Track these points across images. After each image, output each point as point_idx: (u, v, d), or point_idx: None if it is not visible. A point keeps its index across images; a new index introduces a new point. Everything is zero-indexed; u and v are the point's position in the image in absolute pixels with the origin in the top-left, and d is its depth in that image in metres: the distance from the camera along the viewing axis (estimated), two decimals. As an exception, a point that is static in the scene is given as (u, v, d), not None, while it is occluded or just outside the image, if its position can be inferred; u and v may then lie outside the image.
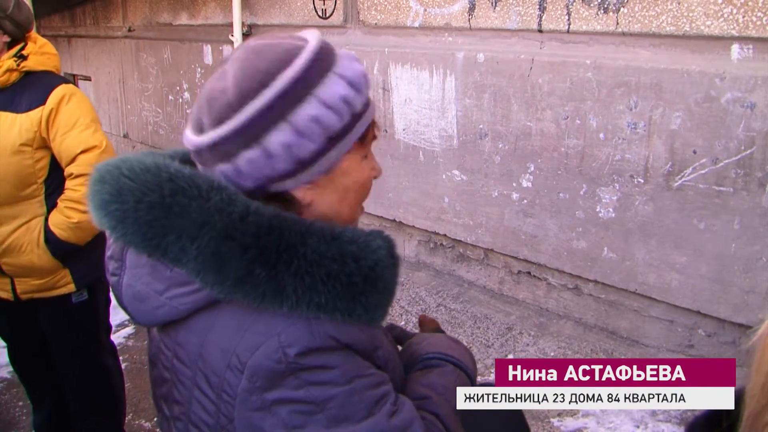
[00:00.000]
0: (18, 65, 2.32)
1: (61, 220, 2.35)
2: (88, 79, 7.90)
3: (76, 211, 2.34)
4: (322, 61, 0.96)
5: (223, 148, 0.93)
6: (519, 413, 0.98)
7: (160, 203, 0.89)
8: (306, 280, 0.90)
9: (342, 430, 0.89)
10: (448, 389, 1.13)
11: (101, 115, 7.56)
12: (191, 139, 0.98)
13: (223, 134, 0.92)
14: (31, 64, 2.35)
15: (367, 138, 1.03)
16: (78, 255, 2.45)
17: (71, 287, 2.48)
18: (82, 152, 2.36)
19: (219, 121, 0.93)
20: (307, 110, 0.92)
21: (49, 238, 2.36)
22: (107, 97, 7.67)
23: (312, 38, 0.99)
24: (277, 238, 0.89)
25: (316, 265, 0.90)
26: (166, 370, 1.05)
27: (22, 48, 2.36)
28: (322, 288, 0.90)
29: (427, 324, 1.41)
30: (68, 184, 2.37)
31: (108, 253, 1.07)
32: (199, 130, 0.97)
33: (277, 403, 0.89)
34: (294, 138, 0.92)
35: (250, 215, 0.89)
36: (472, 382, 1.21)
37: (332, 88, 0.94)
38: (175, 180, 0.91)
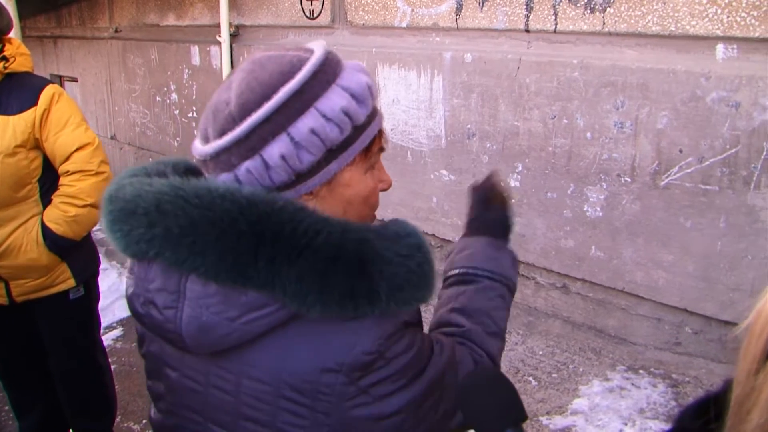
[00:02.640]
0: (4, 67, 2.33)
1: (58, 215, 2.38)
2: (74, 80, 7.85)
3: (72, 206, 2.38)
4: (325, 73, 0.96)
5: (225, 158, 0.96)
6: (514, 393, 0.99)
7: (248, 231, 0.91)
8: (395, 281, 0.94)
9: (418, 384, 1.00)
10: (482, 312, 1.23)
11: (88, 116, 7.52)
12: (198, 148, 1.00)
13: (225, 145, 0.95)
14: (14, 66, 2.37)
15: (371, 150, 1.04)
16: (75, 250, 2.48)
17: (71, 282, 2.53)
18: (77, 150, 2.40)
19: (222, 132, 0.95)
20: (307, 122, 0.93)
21: (46, 234, 2.38)
22: (94, 99, 7.63)
23: (318, 50, 0.99)
24: (358, 252, 0.93)
25: (398, 265, 0.95)
26: (217, 390, 1.04)
27: (1, 50, 2.36)
28: (406, 285, 0.95)
29: (492, 196, 1.45)
30: (63, 180, 2.41)
31: (146, 285, 1.03)
32: (205, 140, 0.99)
33: (373, 385, 0.96)
34: (292, 150, 0.94)
35: (336, 233, 0.93)
36: (512, 292, 1.31)
37: (333, 100, 0.95)
38: (254, 206, 0.92)
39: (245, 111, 0.94)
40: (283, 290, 0.91)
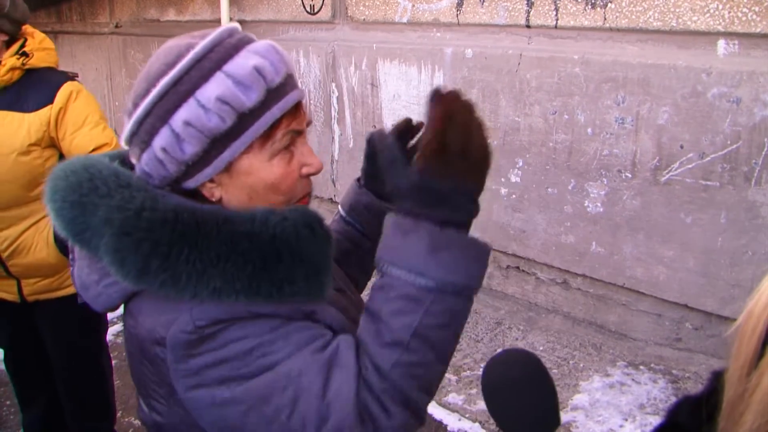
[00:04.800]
0: (23, 63, 2.28)
1: None
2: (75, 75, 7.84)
3: None
4: (210, 60, 0.94)
5: (132, 150, 1.00)
6: (552, 394, 0.90)
7: (77, 201, 0.95)
8: (197, 266, 0.91)
9: (263, 377, 0.92)
10: (376, 316, 0.95)
11: (88, 111, 7.53)
12: None
13: (126, 138, 0.99)
14: (34, 62, 2.31)
15: (273, 135, 0.98)
16: None
17: None
18: (93, 150, 2.32)
19: (127, 122, 0.99)
20: (182, 114, 0.93)
21: (57, 235, 2.33)
22: (95, 94, 7.54)
23: (210, 36, 0.97)
24: (170, 230, 0.91)
25: (205, 250, 0.91)
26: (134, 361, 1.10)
27: (23, 45, 2.31)
28: (214, 271, 0.91)
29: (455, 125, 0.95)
30: None
31: None
32: None
33: (205, 368, 0.93)
34: (172, 142, 0.95)
35: (145, 211, 0.91)
36: (437, 290, 0.92)
37: (210, 89, 0.93)
38: (93, 180, 0.96)
39: (135, 104, 0.97)
40: (104, 261, 0.94)
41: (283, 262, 0.94)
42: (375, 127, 4.41)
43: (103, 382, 2.72)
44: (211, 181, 0.99)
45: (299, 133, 1.02)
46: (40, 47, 2.36)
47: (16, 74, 2.28)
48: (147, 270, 0.90)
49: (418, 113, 3.68)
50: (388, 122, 4.36)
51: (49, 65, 2.40)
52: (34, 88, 2.30)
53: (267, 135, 0.97)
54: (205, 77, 0.93)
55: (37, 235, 2.35)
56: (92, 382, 2.69)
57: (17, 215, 2.32)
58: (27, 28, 2.42)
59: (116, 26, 6.96)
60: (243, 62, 0.94)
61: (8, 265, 2.36)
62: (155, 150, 0.95)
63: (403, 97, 4.24)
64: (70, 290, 2.45)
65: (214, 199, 1.01)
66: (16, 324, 2.57)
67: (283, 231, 0.95)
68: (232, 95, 0.92)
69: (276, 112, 0.96)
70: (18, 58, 2.28)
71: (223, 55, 0.95)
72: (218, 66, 0.94)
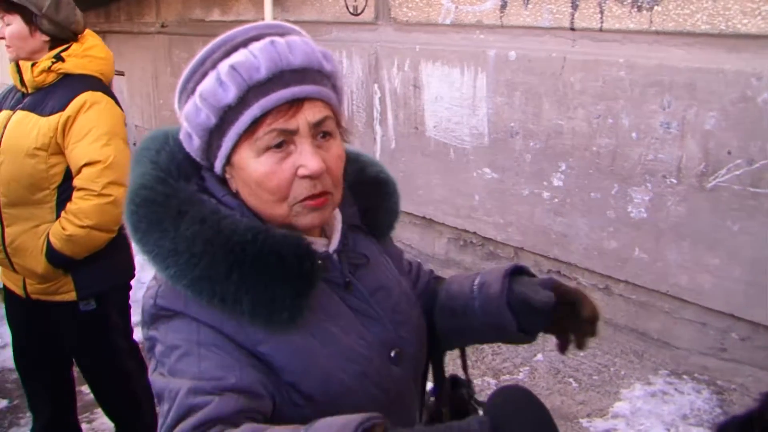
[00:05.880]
0: (51, 66, 2.29)
1: (57, 230, 2.29)
2: (121, 74, 7.98)
3: (70, 224, 2.27)
4: (212, 59, 1.00)
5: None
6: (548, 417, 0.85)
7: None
8: (162, 250, 0.97)
9: (166, 379, 0.95)
10: None
11: (134, 110, 7.67)
12: None
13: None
14: (68, 67, 2.32)
15: (255, 132, 0.98)
16: (82, 265, 2.38)
17: (73, 295, 2.42)
18: (85, 165, 2.28)
19: None
20: (186, 108, 1.02)
21: (48, 246, 2.30)
22: (140, 93, 7.75)
23: (223, 35, 1.02)
24: (153, 212, 0.99)
25: (171, 240, 0.96)
26: None
27: (65, 49, 2.33)
28: (171, 261, 0.96)
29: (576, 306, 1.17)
30: (73, 195, 2.31)
31: None
32: None
33: (151, 339, 1.01)
34: (185, 133, 1.04)
35: (144, 189, 1.01)
36: None
37: (201, 85, 0.99)
38: (159, 151, 1.09)
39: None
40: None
41: (231, 279, 0.95)
42: (417, 128, 4.41)
43: (127, 385, 2.64)
44: (226, 172, 1.04)
45: (291, 133, 0.99)
46: (81, 53, 2.36)
47: (50, 77, 2.30)
48: (135, 238, 1.00)
49: (460, 115, 3.68)
50: (431, 123, 4.35)
51: (89, 73, 2.38)
52: (56, 94, 2.31)
53: (250, 132, 0.98)
54: (205, 74, 0.99)
55: (33, 240, 2.34)
56: (113, 384, 2.65)
57: (19, 214, 2.35)
58: (85, 35, 2.44)
59: (162, 26, 7.07)
60: (230, 59, 0.97)
61: (12, 260, 2.40)
62: (183, 132, 1.06)
63: (445, 98, 4.23)
64: (66, 297, 2.42)
65: (233, 189, 1.05)
66: (21, 318, 2.58)
67: (243, 249, 0.96)
68: (210, 92, 0.97)
69: (256, 109, 0.96)
70: (50, 61, 2.29)
71: (223, 53, 0.99)
72: (214, 64, 0.98)
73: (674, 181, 3.22)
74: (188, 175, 1.05)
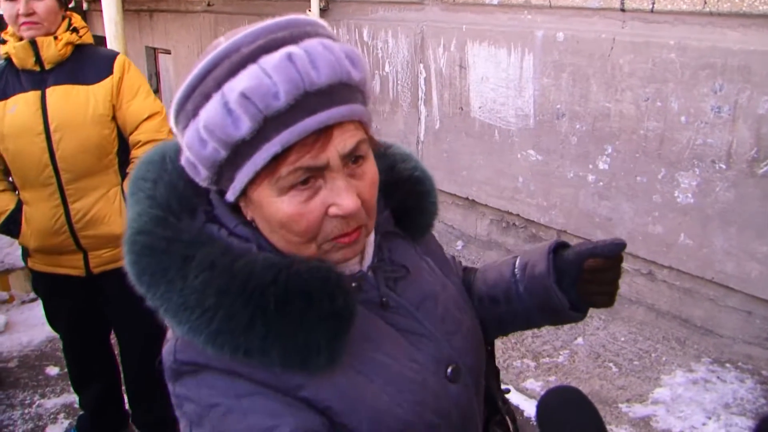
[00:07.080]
0: (78, 38, 2.37)
1: None
2: (168, 52, 8.09)
3: None
4: (214, 76, 0.81)
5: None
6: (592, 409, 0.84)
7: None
8: (171, 305, 0.85)
9: None
10: None
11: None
12: None
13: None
14: (85, 38, 2.41)
15: (276, 171, 0.81)
16: None
17: None
18: (147, 119, 2.44)
19: None
20: (187, 136, 0.83)
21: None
22: (186, 71, 7.82)
23: (231, 38, 0.84)
24: (156, 261, 0.86)
25: (178, 293, 0.84)
26: None
27: (70, 22, 2.39)
28: (183, 316, 0.83)
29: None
30: (136, 152, 2.41)
31: None
32: None
33: (179, 397, 0.89)
34: (188, 164, 0.87)
35: (142, 234, 0.88)
36: None
37: (204, 112, 0.80)
38: (157, 178, 0.94)
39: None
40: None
41: (254, 330, 0.82)
42: (462, 109, 4.39)
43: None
44: (240, 200, 0.87)
45: (320, 169, 0.81)
46: (81, 25, 2.44)
47: (69, 49, 2.36)
48: (140, 290, 0.88)
49: (505, 96, 3.66)
50: (476, 104, 4.33)
51: (91, 42, 2.49)
52: (90, 61, 2.40)
53: (271, 170, 0.80)
54: (207, 96, 0.80)
55: (108, 206, 2.42)
56: (144, 361, 2.58)
57: (88, 185, 2.39)
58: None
59: (208, 5, 7.14)
60: (236, 84, 0.77)
61: (80, 236, 2.42)
62: (184, 159, 0.87)
63: (491, 79, 4.20)
64: None
65: (249, 219, 0.89)
66: (75, 298, 2.59)
67: (263, 293, 0.82)
68: (217, 124, 0.78)
69: (276, 145, 0.78)
70: (72, 33, 2.36)
71: (227, 70, 0.80)
72: (218, 84, 0.79)
73: (723, 166, 3.16)
74: (193, 206, 0.91)
